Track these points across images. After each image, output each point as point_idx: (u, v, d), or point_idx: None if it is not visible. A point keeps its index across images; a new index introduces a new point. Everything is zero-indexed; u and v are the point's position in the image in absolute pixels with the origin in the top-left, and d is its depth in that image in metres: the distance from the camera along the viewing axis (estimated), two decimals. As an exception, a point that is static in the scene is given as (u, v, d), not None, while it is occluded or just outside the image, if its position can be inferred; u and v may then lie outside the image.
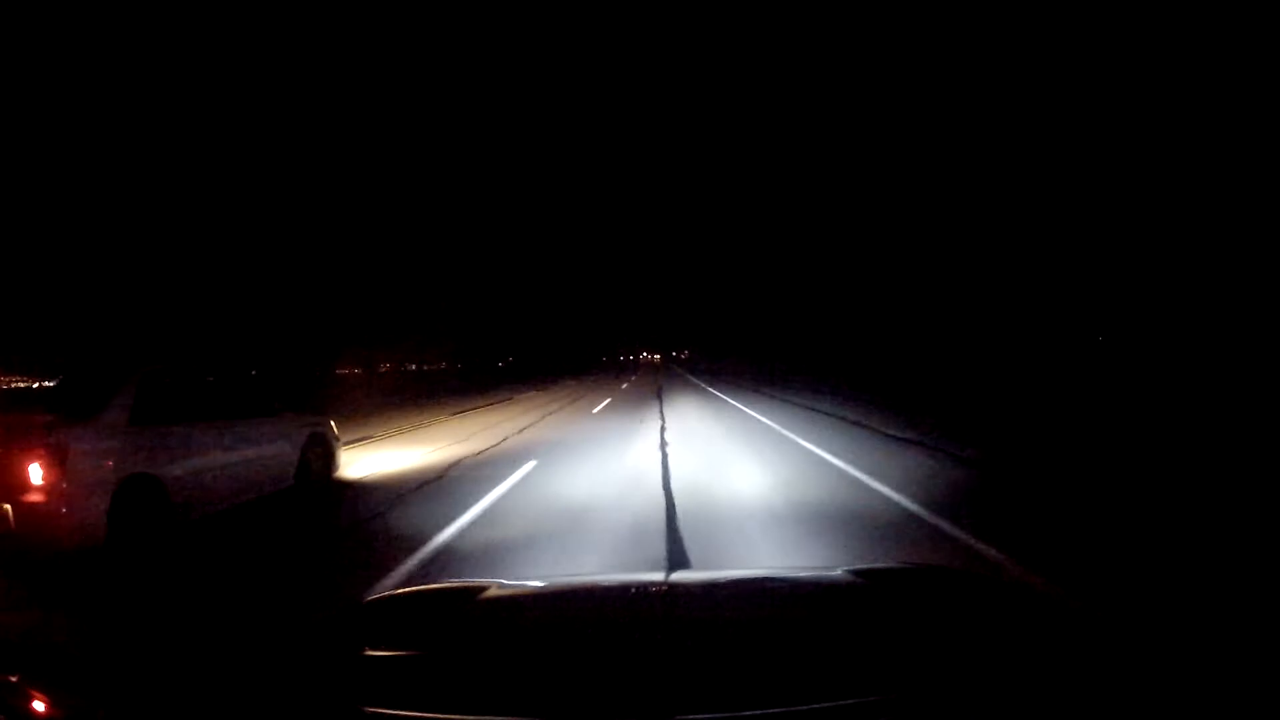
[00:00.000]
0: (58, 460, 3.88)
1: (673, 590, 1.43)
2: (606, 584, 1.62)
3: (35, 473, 3.90)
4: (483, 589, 1.42)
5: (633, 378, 35.25)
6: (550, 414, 13.61)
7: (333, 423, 6.46)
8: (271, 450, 5.40)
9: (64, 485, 3.88)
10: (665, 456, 7.28)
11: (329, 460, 6.23)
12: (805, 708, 0.71)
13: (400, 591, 1.48)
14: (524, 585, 1.64)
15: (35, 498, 3.89)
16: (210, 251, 35.90)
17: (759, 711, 0.70)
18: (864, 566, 1.54)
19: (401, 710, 0.75)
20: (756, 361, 41.79)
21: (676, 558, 3.70)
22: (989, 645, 0.97)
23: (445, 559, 3.92)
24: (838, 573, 1.53)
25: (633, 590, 1.47)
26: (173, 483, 4.37)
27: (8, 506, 4.00)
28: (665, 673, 0.89)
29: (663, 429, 10.06)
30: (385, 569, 3.68)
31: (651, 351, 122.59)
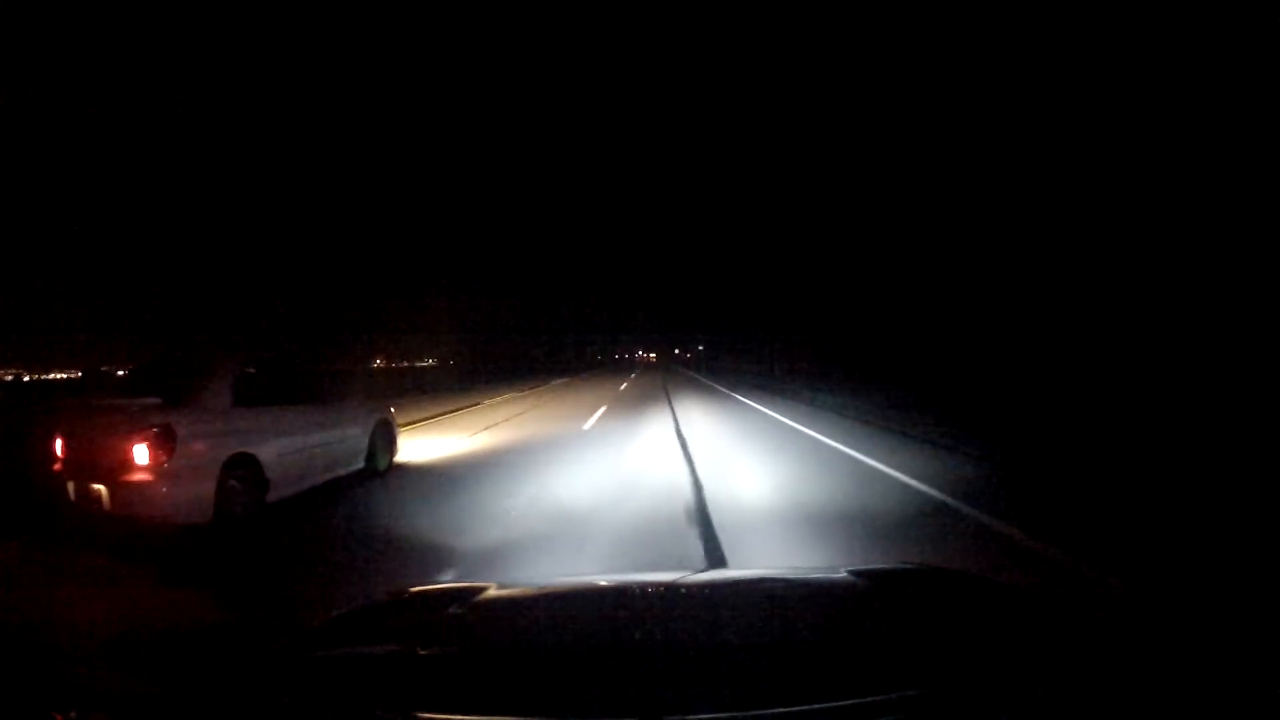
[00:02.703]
0: (166, 441, 3.99)
1: (673, 590, 1.41)
2: (607, 584, 1.61)
3: (141, 454, 3.99)
4: (483, 589, 1.42)
5: (628, 381, 29.75)
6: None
7: (392, 409, 6.60)
8: (348, 434, 5.54)
9: (172, 465, 3.99)
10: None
11: (392, 445, 6.38)
12: (805, 708, 0.71)
13: (401, 593, 1.51)
14: (524, 586, 1.63)
15: (142, 478, 3.98)
16: (211, 249, 35.69)
17: (759, 711, 0.71)
18: (863, 566, 1.56)
19: (403, 710, 0.76)
20: (761, 361, 41.79)
21: None
22: (987, 645, 0.98)
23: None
24: (837, 573, 1.54)
25: (633, 590, 1.46)
26: (268, 461, 4.50)
27: (102, 488, 4.10)
28: (666, 673, 0.89)
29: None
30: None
31: (648, 351, 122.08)
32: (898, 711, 0.72)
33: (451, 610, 1.30)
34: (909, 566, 1.72)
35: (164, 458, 3.99)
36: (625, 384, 26.13)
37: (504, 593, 1.44)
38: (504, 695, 0.83)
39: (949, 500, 4.85)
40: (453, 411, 13.39)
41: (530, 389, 22.54)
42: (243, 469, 4.31)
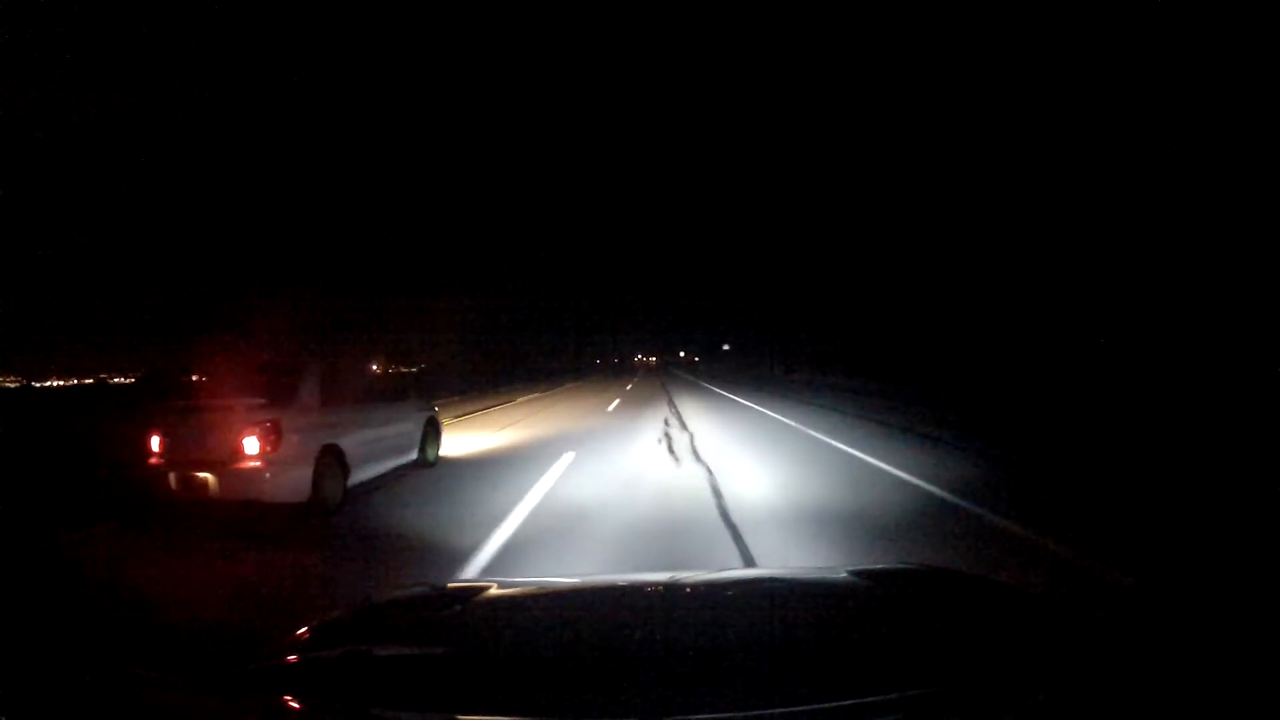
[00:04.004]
0: (274, 434, 4.77)
1: (673, 590, 1.42)
2: (606, 584, 1.63)
3: (252, 445, 4.75)
4: (483, 589, 1.45)
5: (629, 385, 30.06)
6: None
7: (436, 407, 7.42)
8: (405, 429, 6.38)
9: (279, 454, 4.76)
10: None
11: (438, 439, 7.22)
12: (805, 708, 0.72)
13: (402, 592, 1.53)
14: (524, 585, 1.65)
15: (253, 465, 4.73)
16: (209, 251, 36.17)
17: (761, 712, 0.72)
18: (864, 567, 1.58)
19: (403, 710, 0.78)
20: (761, 362, 42.12)
21: None
22: (988, 645, 1.00)
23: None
24: (837, 573, 1.56)
25: (633, 590, 1.47)
26: (349, 451, 5.30)
27: (209, 476, 4.84)
28: (667, 673, 0.90)
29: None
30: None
31: (647, 354, 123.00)
32: (899, 711, 0.73)
33: (452, 610, 1.34)
34: (909, 566, 1.72)
35: (271, 448, 4.76)
36: (626, 388, 26.92)
37: (504, 593, 1.46)
38: (505, 695, 0.84)
39: (948, 496, 5.14)
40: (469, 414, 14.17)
41: (533, 394, 23.28)
42: (331, 457, 5.11)
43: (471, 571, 3.64)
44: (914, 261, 28.56)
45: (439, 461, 7.14)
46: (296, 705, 0.83)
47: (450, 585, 1.67)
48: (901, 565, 1.78)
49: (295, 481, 4.82)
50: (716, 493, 5.35)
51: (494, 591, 1.44)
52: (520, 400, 18.71)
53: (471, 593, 1.46)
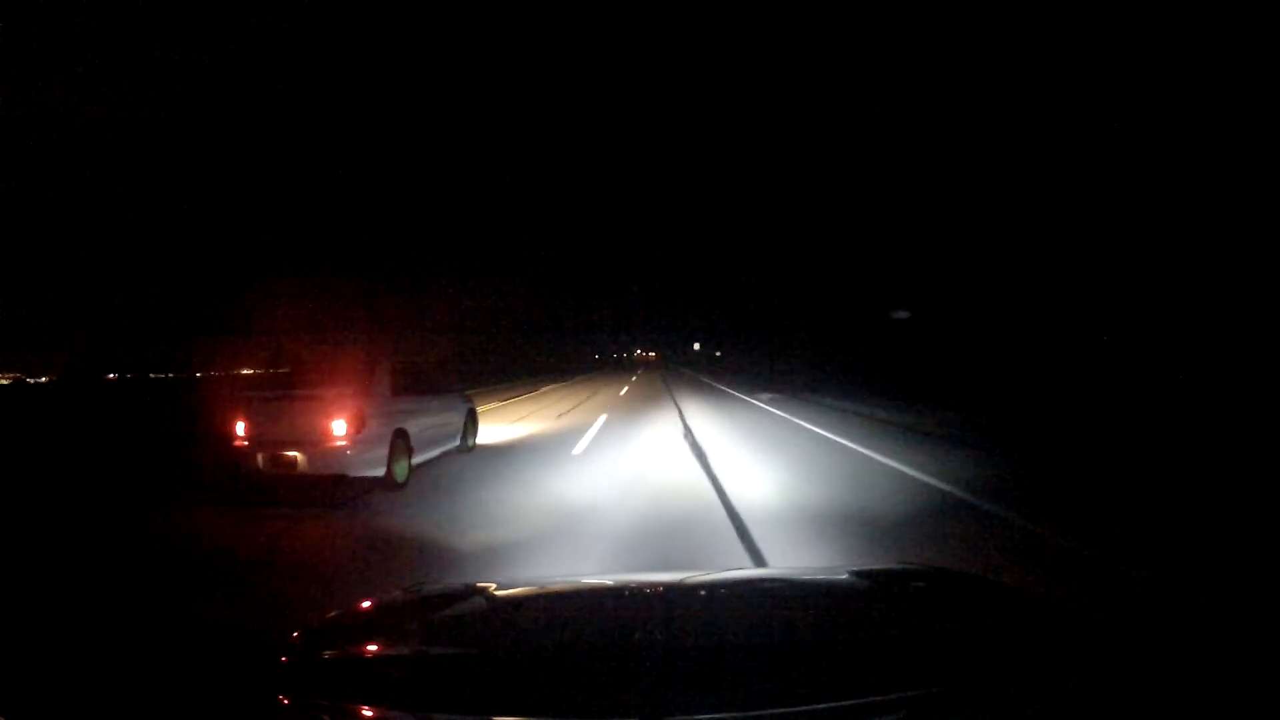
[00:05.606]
0: (359, 419, 5.78)
1: (673, 590, 1.44)
2: (606, 584, 1.64)
3: (340, 428, 5.75)
4: (483, 589, 1.48)
5: (624, 389, 30.49)
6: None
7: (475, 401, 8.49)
8: (451, 418, 7.43)
9: (362, 435, 5.76)
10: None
11: (476, 429, 8.29)
12: (805, 708, 0.73)
13: (401, 592, 1.59)
14: (524, 585, 1.66)
15: (341, 445, 5.71)
16: (206, 250, 36.62)
17: (761, 712, 0.73)
18: (865, 567, 1.61)
19: (403, 710, 0.81)
20: (761, 360, 42.16)
21: None
22: (989, 646, 1.01)
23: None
24: (838, 573, 1.58)
25: (633, 590, 1.48)
26: (413, 435, 6.34)
27: (298, 455, 5.83)
28: (667, 673, 0.91)
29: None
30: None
31: (646, 350, 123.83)
32: (899, 711, 0.75)
33: (452, 610, 1.36)
34: (910, 567, 1.74)
35: (356, 431, 5.75)
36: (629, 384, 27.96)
37: (505, 593, 1.49)
38: (505, 695, 0.85)
39: (955, 490, 5.41)
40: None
41: (530, 393, 24.21)
42: (400, 440, 6.13)
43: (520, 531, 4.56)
44: (916, 260, 28.81)
45: (477, 448, 8.20)
46: (295, 705, 0.85)
47: (451, 585, 1.67)
48: (902, 565, 1.80)
49: (374, 459, 5.82)
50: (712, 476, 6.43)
51: (495, 591, 1.48)
52: (517, 398, 19.70)
53: (472, 593, 1.49)
